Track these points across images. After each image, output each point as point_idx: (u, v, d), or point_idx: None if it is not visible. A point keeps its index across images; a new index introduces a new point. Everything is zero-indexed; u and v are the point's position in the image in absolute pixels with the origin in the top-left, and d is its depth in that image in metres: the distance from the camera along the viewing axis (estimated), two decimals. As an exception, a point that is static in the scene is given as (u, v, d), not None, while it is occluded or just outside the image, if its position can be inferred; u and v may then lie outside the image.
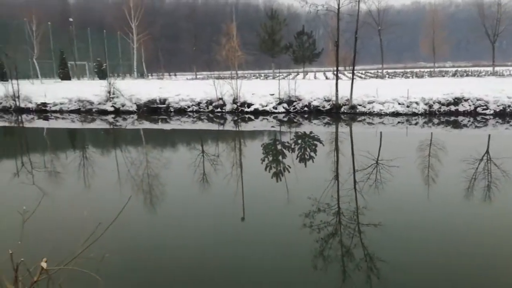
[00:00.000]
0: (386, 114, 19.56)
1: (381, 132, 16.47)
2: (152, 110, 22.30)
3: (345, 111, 20.31)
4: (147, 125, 19.38)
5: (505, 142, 14.23)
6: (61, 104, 23.51)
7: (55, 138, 17.03)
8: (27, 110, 23.74)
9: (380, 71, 50.31)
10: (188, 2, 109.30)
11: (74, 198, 8.13)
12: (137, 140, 16.10)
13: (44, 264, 2.72)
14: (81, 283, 3.45)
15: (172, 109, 22.33)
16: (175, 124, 19.28)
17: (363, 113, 19.96)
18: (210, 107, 22.10)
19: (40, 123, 20.45)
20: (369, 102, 20.37)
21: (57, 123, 20.37)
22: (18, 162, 12.00)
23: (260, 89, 23.64)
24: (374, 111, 19.93)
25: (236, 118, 20.39)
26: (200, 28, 57.27)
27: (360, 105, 20.28)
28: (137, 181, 9.36)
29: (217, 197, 8.19)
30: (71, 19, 51.80)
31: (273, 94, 22.10)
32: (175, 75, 64.16)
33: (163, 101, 22.63)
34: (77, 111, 22.79)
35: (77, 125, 19.73)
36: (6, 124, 20.77)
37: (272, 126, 18.12)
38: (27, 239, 2.76)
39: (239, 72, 41.89)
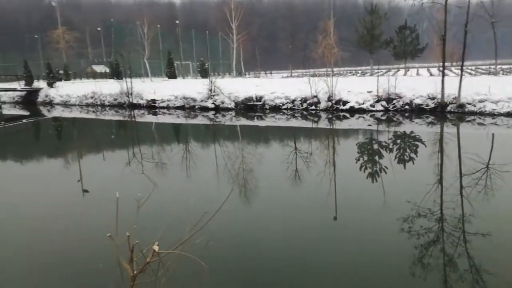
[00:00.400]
0: (500, 114, 17.61)
1: (493, 134, 14.89)
2: (249, 107, 23.03)
3: (452, 110, 18.77)
4: (243, 121, 20.08)
5: None
6: (168, 100, 25.48)
7: (161, 132, 18.53)
8: (139, 106, 26.17)
9: (493, 67, 45.35)
10: (286, 1, 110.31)
11: (180, 188, 8.78)
12: (234, 136, 16.77)
13: (156, 248, 2.99)
14: (187, 267, 3.66)
15: (267, 107, 22.81)
16: (269, 121, 19.67)
17: (473, 113, 18.25)
18: (305, 105, 22.10)
19: (149, 118, 22.42)
20: (480, 101, 18.54)
21: (164, 118, 22.13)
22: (130, 153, 13.31)
23: (357, 87, 22.94)
24: (485, 111, 18.10)
25: (330, 116, 20.10)
26: (297, 27, 57.45)
27: (469, 104, 18.57)
28: (233, 174, 9.76)
29: (309, 194, 8.19)
30: (177, 22, 55.67)
31: (370, 92, 21.31)
32: (271, 73, 65.34)
33: (259, 99, 23.23)
34: (181, 108, 24.51)
35: (181, 120, 21.23)
36: (121, 118, 23.14)
37: (369, 125, 17.49)
38: (141, 223, 3.06)
39: (335, 69, 41.16)
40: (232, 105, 23.28)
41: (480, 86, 19.59)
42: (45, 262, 5.51)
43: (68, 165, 12.32)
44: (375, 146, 13.36)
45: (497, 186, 8.04)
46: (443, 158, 11.35)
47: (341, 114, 20.30)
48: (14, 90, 33.26)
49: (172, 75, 39.24)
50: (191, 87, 26.32)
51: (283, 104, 22.65)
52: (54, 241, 6.16)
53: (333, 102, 21.37)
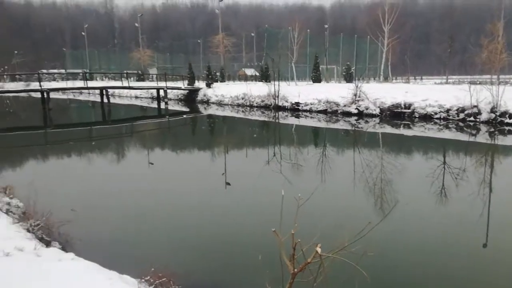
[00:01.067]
0: None
1: None
2: (395, 114, 21.90)
3: None
4: (387, 129, 19.21)
5: None
6: (311, 104, 25.95)
7: (301, 135, 18.99)
8: (283, 108, 27.27)
9: None
10: (444, 1, 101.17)
11: (323, 192, 8.94)
12: (375, 144, 16.19)
13: (319, 250, 3.14)
14: (345, 273, 3.69)
15: (416, 115, 21.34)
16: (417, 130, 18.38)
17: None
18: (461, 115, 19.98)
19: (291, 120, 23.20)
20: None
21: (305, 121, 22.63)
22: (270, 152, 14.00)
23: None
24: None
25: (492, 129, 17.78)
26: (455, 28, 52.18)
27: None
28: (371, 183, 9.47)
29: (456, 215, 7.45)
30: (326, 26, 56.12)
31: (546, 104, 18.17)
32: (421, 78, 60.71)
33: (408, 106, 21.90)
34: (324, 112, 24.69)
35: (322, 124, 21.40)
36: (266, 119, 24.46)
37: (542, 143, 14.98)
38: (301, 222, 3.24)
39: (501, 76, 36.26)
40: (377, 111, 22.45)
41: None
42: (202, 244, 6.20)
43: (215, 158, 13.64)
44: (547, 169, 11.39)
45: None
46: None
47: (506, 128, 17.80)
48: (179, 88, 38.04)
49: (317, 79, 39.73)
50: (335, 91, 26.27)
51: (436, 113, 20.88)
52: (209, 226, 6.93)
53: (498, 114, 18.84)
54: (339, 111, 23.85)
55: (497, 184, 9.74)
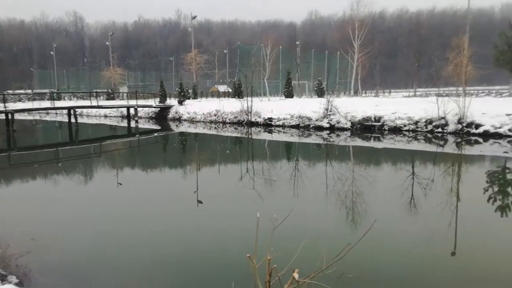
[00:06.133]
0: None
1: None
2: (366, 127, 22.22)
3: None
4: (358, 142, 19.41)
5: None
6: (284, 119, 26.05)
7: (274, 149, 18.94)
8: (256, 124, 27.25)
9: None
10: (411, 17, 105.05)
11: (301, 209, 8.79)
12: (347, 157, 16.29)
13: (296, 275, 2.97)
14: None
15: (386, 127, 21.71)
16: (387, 142, 18.64)
17: None
18: (430, 127, 20.45)
19: (265, 136, 23.16)
20: None
21: (278, 136, 22.64)
22: (244, 168, 13.84)
23: (493, 108, 20.46)
24: None
25: (459, 140, 18.23)
26: (422, 43, 54.06)
27: None
28: (342, 197, 9.42)
29: (425, 224, 7.46)
30: (298, 42, 57.04)
31: (510, 114, 18.82)
32: (390, 92, 62.22)
33: (378, 119, 22.27)
34: (296, 126, 24.79)
35: (295, 138, 21.44)
36: (238, 135, 24.35)
37: (505, 152, 15.39)
38: (276, 244, 3.06)
39: (467, 88, 37.52)
40: (348, 125, 22.72)
41: None
42: (170, 272, 5.83)
43: (186, 176, 13.34)
44: (510, 176, 11.66)
45: None
46: None
47: (473, 138, 18.28)
48: (150, 106, 37.57)
49: (289, 95, 40.10)
50: (307, 106, 26.50)
51: (405, 125, 21.30)
52: (179, 251, 6.62)
53: (464, 124, 19.38)
54: (311, 126, 24.00)
55: (464, 193, 9.88)
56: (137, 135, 27.01)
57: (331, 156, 16.41)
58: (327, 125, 23.25)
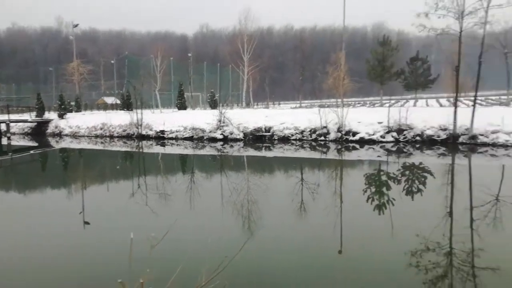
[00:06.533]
0: (514, 145, 17.23)
1: (503, 165, 14.51)
2: (257, 138, 22.98)
3: (464, 141, 18.45)
4: (251, 152, 19.96)
5: None
6: (177, 131, 25.60)
7: (168, 163, 18.47)
8: (147, 137, 26.31)
9: (503, 97, 45.08)
10: (296, 33, 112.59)
11: (185, 224, 8.55)
12: (240, 166, 16.62)
13: None
14: None
15: (276, 137, 22.73)
16: (277, 151, 19.52)
17: (485, 144, 17.90)
18: (314, 136, 21.96)
19: (157, 149, 22.46)
20: (493, 132, 18.23)
21: (172, 149, 22.15)
22: (135, 184, 13.19)
23: (367, 117, 22.83)
24: (498, 142, 17.76)
25: (340, 146, 19.88)
26: (306, 58, 58.20)
27: (481, 135, 18.26)
28: (238, 206, 9.52)
29: (314, 227, 7.91)
30: (189, 54, 56.93)
31: (381, 122, 21.14)
32: (279, 104, 65.73)
33: (268, 129, 23.20)
34: (190, 138, 24.56)
35: (189, 151, 21.19)
36: (128, 149, 23.22)
37: (379, 156, 17.22)
38: (156, 264, 2.83)
39: (345, 99, 41.18)
40: (241, 136, 23.26)
41: (493, 117, 19.30)
42: None
43: (71, 196, 12.22)
44: (384, 178, 13.06)
45: (507, 219, 7.72)
46: (453, 190, 11.00)
47: (351, 145, 20.08)
48: (25, 121, 33.85)
49: (182, 106, 39.69)
50: (200, 118, 26.47)
51: (292, 135, 22.55)
52: (55, 277, 5.94)
53: (343, 133, 21.22)
54: (205, 137, 24.01)
55: (347, 195, 10.75)
56: (10, 153, 24.02)
57: (225, 166, 16.57)
58: (221, 136, 23.51)
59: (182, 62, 57.16)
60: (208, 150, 20.86)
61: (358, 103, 55.15)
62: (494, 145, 17.67)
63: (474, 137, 18.33)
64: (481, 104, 39.27)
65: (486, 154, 16.26)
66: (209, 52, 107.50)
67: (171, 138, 25.38)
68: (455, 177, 12.97)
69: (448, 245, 6.44)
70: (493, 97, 54.28)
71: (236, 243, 6.88)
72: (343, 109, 21.83)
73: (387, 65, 44.94)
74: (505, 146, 17.39)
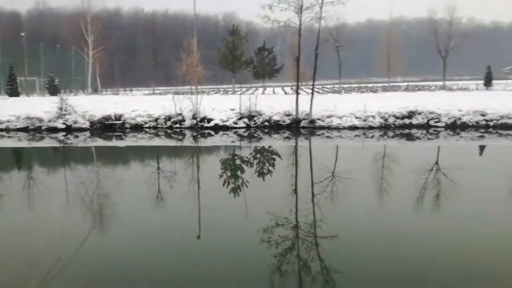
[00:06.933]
0: (344, 128, 19.88)
1: (337, 146, 16.67)
2: (107, 126, 21.48)
3: (305, 125, 20.46)
4: (100, 142, 18.59)
5: (455, 153, 14.77)
6: (7, 122, 22.14)
7: (-1, 158, 15.94)
8: (-31, 128, 22.18)
9: (336, 86, 51.66)
10: (146, 16, 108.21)
11: (22, 226, 7.48)
12: (88, 159, 15.37)
13: None
14: None
15: (128, 126, 21.60)
16: (130, 141, 18.61)
17: (322, 127, 20.18)
18: (169, 123, 21.59)
19: (-18, 142, 19.13)
20: (328, 117, 20.64)
21: (1, 142, 19.16)
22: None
23: (220, 104, 23.44)
24: (332, 125, 20.21)
25: (195, 133, 20.01)
26: (159, 43, 56.60)
27: (319, 120, 20.50)
28: (87, 202, 8.80)
29: (172, 215, 7.83)
30: (22, 34, 49.73)
31: (233, 109, 21.94)
32: (131, 90, 62.62)
33: (118, 117, 21.88)
34: (25, 129, 21.53)
35: (24, 143, 18.59)
36: None
37: (232, 141, 17.91)
38: None
39: (199, 87, 41.54)
40: (87, 125, 21.38)
41: (327, 104, 21.86)
42: None
43: None
44: (238, 162, 13.65)
45: (342, 192, 8.93)
46: (297, 170, 12.17)
47: (206, 131, 20.38)
48: None
49: (14, 93, 34.61)
50: (37, 106, 23.39)
51: (146, 123, 21.74)
52: None
53: (198, 120, 21.36)
54: (43, 128, 21.33)
55: (204, 181, 10.90)
56: None
57: (70, 159, 15.10)
58: (63, 126, 21.21)
59: (14, 42, 49.61)
60: (48, 142, 18.64)
61: (212, 91, 56.30)
62: (329, 128, 20.08)
63: (313, 121, 20.51)
64: (318, 92, 44.21)
65: (323, 136, 18.40)
66: (47, 32, 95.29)
67: (1, 130, 21.86)
68: (299, 158, 14.36)
69: (294, 219, 7.12)
70: (328, 86, 61.55)
71: (82, 238, 6.38)
72: (197, 96, 21.94)
73: (237, 54, 46.72)
74: (337, 128, 19.93)
